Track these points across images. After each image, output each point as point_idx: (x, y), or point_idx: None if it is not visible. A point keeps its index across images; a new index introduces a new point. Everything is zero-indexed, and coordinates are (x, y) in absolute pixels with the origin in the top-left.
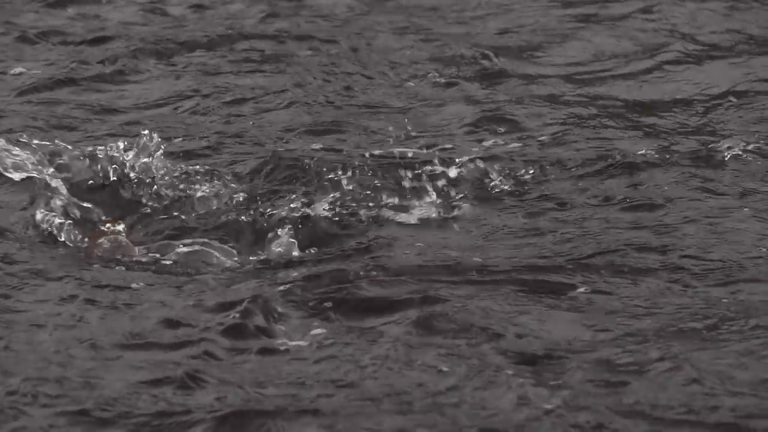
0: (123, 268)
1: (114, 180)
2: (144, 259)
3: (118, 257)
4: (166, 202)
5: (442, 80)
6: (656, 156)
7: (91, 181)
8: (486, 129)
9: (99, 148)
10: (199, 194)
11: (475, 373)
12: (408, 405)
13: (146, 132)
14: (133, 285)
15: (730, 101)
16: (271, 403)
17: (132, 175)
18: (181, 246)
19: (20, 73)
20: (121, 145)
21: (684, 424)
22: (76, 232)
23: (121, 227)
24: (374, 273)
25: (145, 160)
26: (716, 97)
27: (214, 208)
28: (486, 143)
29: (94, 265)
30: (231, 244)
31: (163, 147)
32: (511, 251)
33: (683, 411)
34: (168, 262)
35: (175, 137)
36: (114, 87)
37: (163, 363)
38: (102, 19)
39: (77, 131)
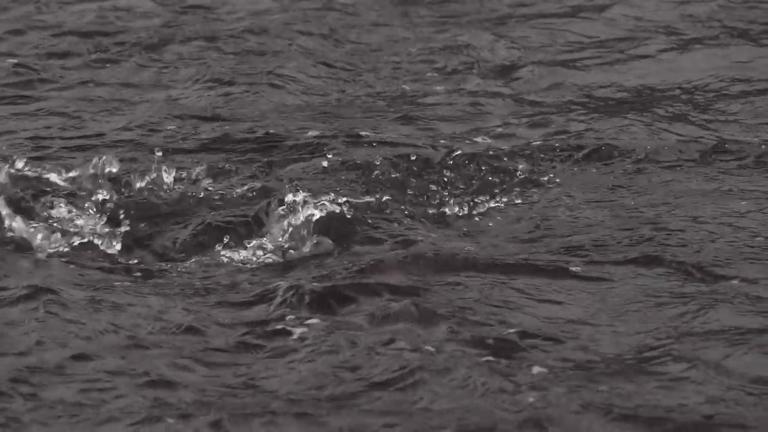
0: (120, 271)
1: (114, 182)
2: (144, 259)
3: (113, 259)
4: (165, 200)
5: (443, 73)
6: (655, 149)
7: (85, 187)
8: (485, 123)
9: (95, 155)
10: (200, 189)
11: (474, 368)
12: (405, 402)
13: (159, 154)
14: (123, 283)
15: (720, 92)
16: (268, 402)
17: (134, 179)
18: (180, 245)
19: (13, 65)
20: (117, 161)
21: (679, 422)
22: (60, 236)
23: (117, 232)
24: (377, 268)
25: (153, 176)
26: (706, 89)
27: (217, 203)
28: (484, 137)
29: (88, 269)
30: (231, 241)
31: (169, 167)
32: (510, 245)
33: (680, 408)
34: (167, 262)
35: (174, 133)
36: (113, 84)
37: (157, 360)
38: (101, 13)
39: (73, 127)
